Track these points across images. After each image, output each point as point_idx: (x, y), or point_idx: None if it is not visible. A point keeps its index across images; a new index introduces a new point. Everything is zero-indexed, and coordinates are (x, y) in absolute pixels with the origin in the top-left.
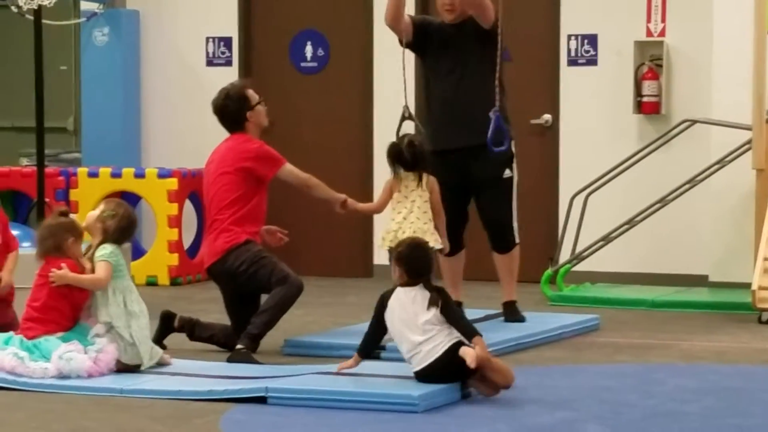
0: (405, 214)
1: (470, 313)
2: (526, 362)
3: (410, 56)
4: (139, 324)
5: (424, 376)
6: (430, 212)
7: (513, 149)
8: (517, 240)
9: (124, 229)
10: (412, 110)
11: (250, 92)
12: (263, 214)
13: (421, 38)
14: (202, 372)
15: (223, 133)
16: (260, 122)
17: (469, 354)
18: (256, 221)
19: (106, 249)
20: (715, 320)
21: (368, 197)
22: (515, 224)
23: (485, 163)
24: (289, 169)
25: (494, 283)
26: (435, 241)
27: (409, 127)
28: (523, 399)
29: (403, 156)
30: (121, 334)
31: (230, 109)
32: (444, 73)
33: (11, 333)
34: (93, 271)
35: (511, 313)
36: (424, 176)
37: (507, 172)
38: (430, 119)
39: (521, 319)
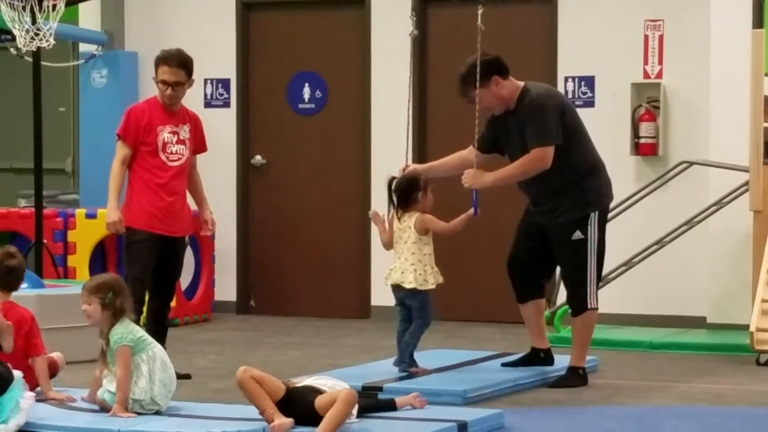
0: (398, 254)
1: (466, 355)
2: (524, 404)
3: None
4: (162, 392)
5: None
6: (425, 248)
7: (588, 212)
8: (592, 305)
9: (127, 296)
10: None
11: None
12: (134, 191)
13: (495, 142)
14: (199, 413)
15: (221, 172)
16: None
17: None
18: (128, 201)
19: (118, 332)
20: (714, 362)
21: (365, 238)
22: (590, 289)
23: (554, 223)
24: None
25: (492, 324)
26: (433, 281)
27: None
28: None
29: (402, 187)
30: (139, 401)
31: None
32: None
33: None
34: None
35: (565, 377)
36: (413, 214)
37: (577, 234)
38: None
39: (568, 385)
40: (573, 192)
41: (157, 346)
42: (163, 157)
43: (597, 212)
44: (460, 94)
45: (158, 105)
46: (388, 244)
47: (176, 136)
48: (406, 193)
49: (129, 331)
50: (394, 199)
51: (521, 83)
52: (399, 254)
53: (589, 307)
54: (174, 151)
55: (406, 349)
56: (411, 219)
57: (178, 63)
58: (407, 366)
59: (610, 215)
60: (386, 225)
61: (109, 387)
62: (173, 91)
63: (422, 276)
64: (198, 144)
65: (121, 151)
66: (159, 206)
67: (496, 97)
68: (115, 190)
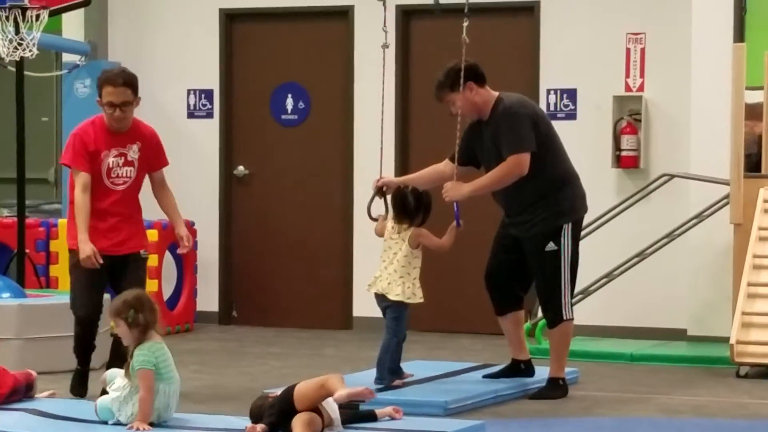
0: (386, 264)
1: (448, 366)
2: (506, 415)
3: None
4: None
5: None
6: (414, 261)
7: (562, 224)
8: (567, 317)
9: (150, 307)
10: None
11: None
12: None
13: (471, 154)
14: (183, 424)
15: (203, 182)
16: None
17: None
18: (70, 223)
19: (142, 354)
20: (694, 374)
21: (348, 248)
22: (564, 300)
23: (527, 235)
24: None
25: (473, 335)
26: (420, 295)
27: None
28: None
29: (407, 200)
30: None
31: None
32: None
33: None
34: None
35: (545, 388)
36: (408, 228)
37: (550, 246)
38: None
39: (549, 396)
40: (546, 203)
41: (175, 383)
42: (107, 182)
43: (570, 223)
44: (435, 98)
45: (104, 127)
46: (380, 234)
47: (123, 158)
48: (409, 209)
49: (152, 354)
50: (392, 209)
51: (496, 93)
52: (387, 264)
53: (564, 318)
54: (120, 175)
55: (383, 364)
56: (406, 233)
57: (124, 82)
58: (387, 381)
59: (590, 227)
60: (383, 224)
61: (107, 401)
62: (122, 113)
63: (410, 289)
64: (155, 161)
65: (78, 179)
66: (100, 228)
67: (469, 102)
68: (84, 222)
